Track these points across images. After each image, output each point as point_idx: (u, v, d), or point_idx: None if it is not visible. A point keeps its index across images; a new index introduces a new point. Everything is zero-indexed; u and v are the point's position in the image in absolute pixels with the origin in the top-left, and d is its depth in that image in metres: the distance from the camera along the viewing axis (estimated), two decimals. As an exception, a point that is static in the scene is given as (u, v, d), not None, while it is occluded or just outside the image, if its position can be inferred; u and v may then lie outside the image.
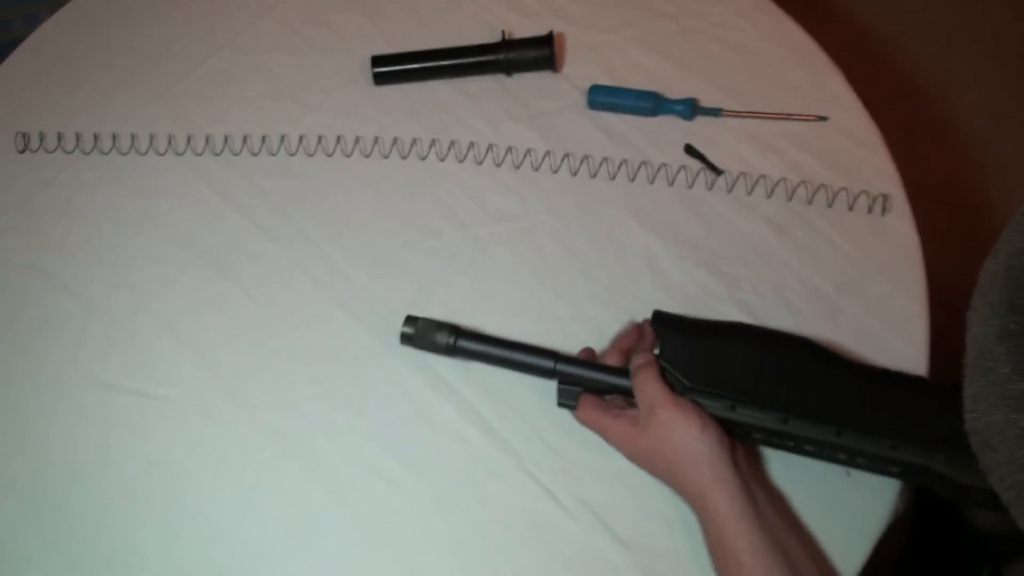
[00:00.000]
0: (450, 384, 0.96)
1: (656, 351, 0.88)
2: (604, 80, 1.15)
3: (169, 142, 1.12)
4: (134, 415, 0.96)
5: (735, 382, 0.83)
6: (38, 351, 1.00)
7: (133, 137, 1.12)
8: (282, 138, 1.11)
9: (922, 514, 1.39)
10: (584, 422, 0.88)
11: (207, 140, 1.11)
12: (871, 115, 1.12)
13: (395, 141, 1.11)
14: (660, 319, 0.88)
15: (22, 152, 1.12)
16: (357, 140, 1.11)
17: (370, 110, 1.15)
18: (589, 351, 0.94)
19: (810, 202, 1.06)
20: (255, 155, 1.11)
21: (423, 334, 0.92)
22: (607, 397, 0.90)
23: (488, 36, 1.16)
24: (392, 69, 1.15)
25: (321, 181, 1.10)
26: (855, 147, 1.10)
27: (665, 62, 1.17)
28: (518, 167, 1.10)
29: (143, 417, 0.96)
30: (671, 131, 1.12)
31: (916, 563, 1.48)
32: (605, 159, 1.09)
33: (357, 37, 1.20)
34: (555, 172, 1.09)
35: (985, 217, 2.09)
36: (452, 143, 1.11)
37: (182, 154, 1.11)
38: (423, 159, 1.11)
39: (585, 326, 0.99)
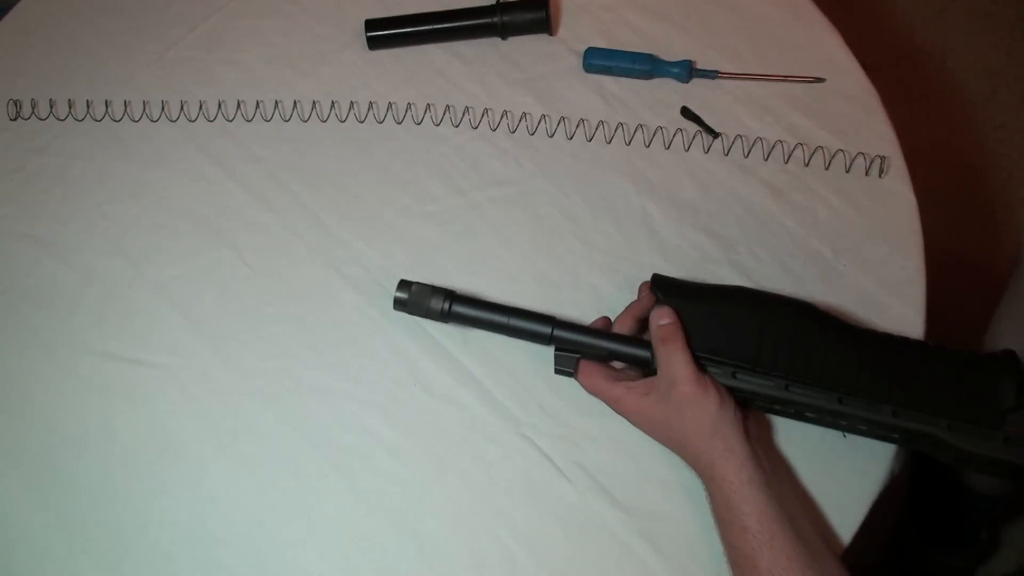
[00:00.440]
0: (447, 350, 0.96)
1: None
2: (600, 43, 1.14)
3: (162, 108, 1.11)
4: (131, 383, 0.96)
5: (736, 348, 0.83)
6: (33, 320, 1.00)
7: (126, 104, 1.11)
8: (276, 104, 1.11)
9: (920, 476, 1.40)
10: (594, 392, 0.88)
11: (201, 106, 1.11)
12: (868, 76, 1.12)
13: (390, 106, 1.10)
14: (659, 283, 0.87)
15: (14, 120, 1.11)
16: (352, 105, 1.11)
17: (364, 75, 1.14)
18: (605, 320, 0.93)
19: (807, 164, 1.06)
20: (249, 121, 1.11)
21: (416, 299, 0.91)
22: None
23: (482, -1, 1.15)
24: (386, 33, 1.15)
25: (316, 147, 1.09)
26: (852, 109, 1.09)
27: (661, 24, 1.16)
28: (514, 131, 1.09)
29: (140, 385, 0.96)
30: (667, 94, 1.11)
31: (914, 524, 1.50)
32: (601, 122, 1.09)
33: (351, 1, 1.19)
34: (551, 136, 1.09)
35: (983, 178, 2.09)
36: (447, 107, 1.10)
37: (175, 120, 1.11)
38: (418, 124, 1.10)
39: (582, 291, 0.99)
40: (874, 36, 2.26)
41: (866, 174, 1.05)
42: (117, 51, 1.16)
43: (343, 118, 1.10)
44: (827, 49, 1.14)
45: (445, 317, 0.90)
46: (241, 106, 1.11)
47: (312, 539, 0.89)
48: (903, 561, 1.54)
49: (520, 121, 1.09)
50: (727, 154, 1.07)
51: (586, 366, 0.88)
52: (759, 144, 1.06)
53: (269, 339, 0.98)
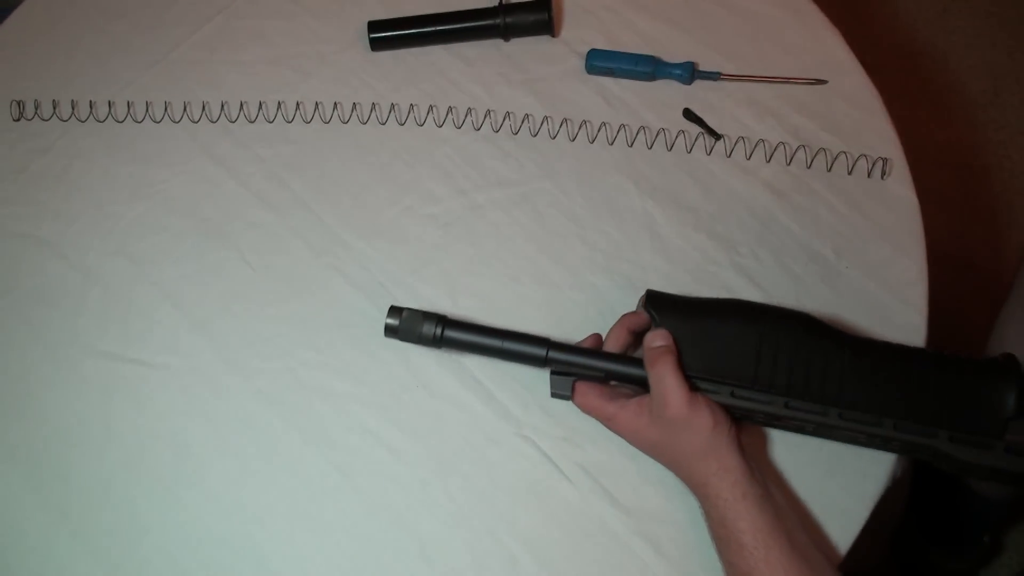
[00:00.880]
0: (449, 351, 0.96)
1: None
2: (602, 44, 1.14)
3: (165, 109, 1.11)
4: (134, 384, 0.96)
5: (733, 366, 0.82)
6: (36, 320, 1.00)
7: (129, 104, 1.11)
8: (279, 105, 1.11)
9: (922, 478, 1.39)
10: (587, 411, 0.87)
11: (203, 107, 1.11)
12: (871, 78, 1.12)
13: (392, 107, 1.11)
14: (654, 299, 0.86)
15: (17, 120, 1.11)
16: (354, 106, 1.11)
17: (367, 76, 1.14)
18: (596, 337, 0.91)
19: (809, 166, 1.06)
20: (252, 122, 1.11)
21: (408, 326, 0.88)
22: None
23: (485, 1, 1.15)
24: (389, 34, 1.15)
25: (318, 148, 1.09)
26: (854, 110, 1.09)
27: (663, 26, 1.16)
28: (516, 133, 1.09)
29: (142, 386, 0.96)
30: (670, 95, 1.11)
31: (916, 527, 1.49)
32: (603, 124, 1.09)
33: (353, 2, 1.19)
34: (553, 137, 1.09)
35: (985, 179, 2.09)
36: (450, 109, 1.10)
37: (178, 121, 1.11)
38: (420, 125, 1.10)
39: (584, 292, 0.99)
40: (876, 37, 2.27)
41: (868, 176, 1.05)
42: (120, 52, 1.16)
43: (345, 119, 1.10)
44: (829, 51, 1.14)
45: (438, 343, 0.88)
46: (244, 107, 1.11)
47: (313, 540, 0.89)
48: (905, 563, 1.54)
49: (522, 122, 1.09)
50: (729, 156, 1.07)
51: (579, 385, 0.87)
52: (761, 146, 1.06)
53: (271, 339, 0.98)
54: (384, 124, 1.10)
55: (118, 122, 1.11)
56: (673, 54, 1.13)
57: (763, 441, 0.91)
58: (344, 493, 0.91)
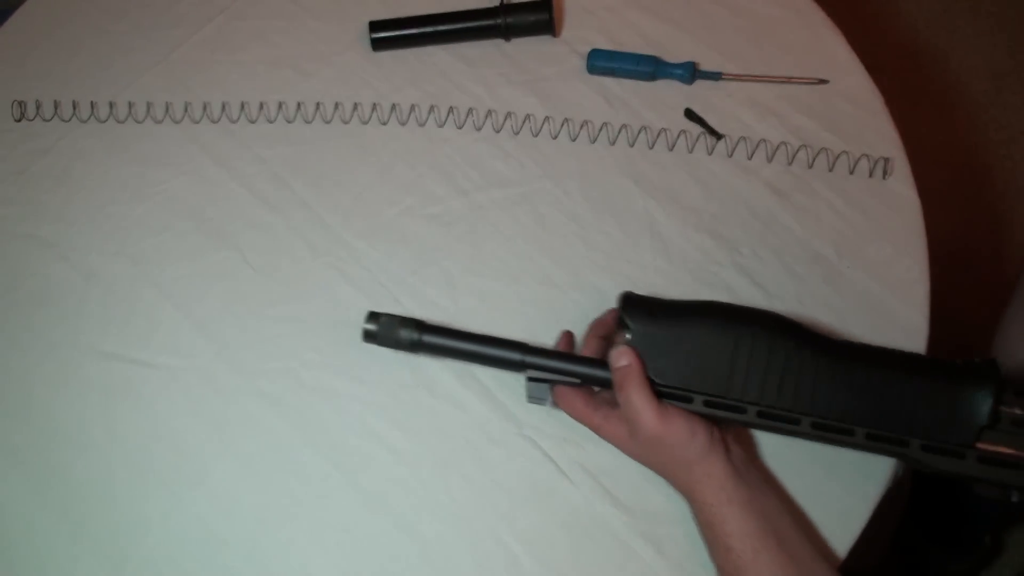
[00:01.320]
0: (450, 351, 0.96)
1: (628, 336, 0.83)
2: (603, 44, 1.14)
3: (166, 110, 1.11)
4: (135, 384, 0.96)
5: (706, 376, 0.81)
6: (36, 321, 1.00)
7: (130, 105, 1.12)
8: (280, 105, 1.11)
9: (922, 480, 1.39)
10: (575, 418, 0.87)
11: (204, 108, 1.11)
12: (872, 78, 1.11)
13: (394, 107, 1.11)
14: (629, 304, 0.84)
15: (18, 121, 1.11)
16: (355, 107, 1.11)
17: (368, 76, 1.14)
18: (568, 336, 0.91)
19: (811, 166, 1.06)
20: (253, 122, 1.11)
21: (386, 331, 0.88)
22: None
23: (486, 1, 1.15)
24: (390, 35, 1.15)
25: (319, 148, 1.09)
26: (856, 110, 1.09)
27: (664, 26, 1.16)
28: (517, 133, 1.09)
29: (144, 386, 0.96)
30: (671, 95, 1.11)
31: (917, 528, 1.49)
32: (605, 124, 1.09)
33: (354, 2, 1.19)
34: (554, 138, 1.09)
35: (986, 180, 2.09)
36: (451, 109, 1.10)
37: (179, 122, 1.11)
38: (422, 125, 1.10)
39: (585, 292, 0.99)
40: (878, 37, 2.26)
41: (870, 175, 1.05)
42: (121, 52, 1.16)
43: (347, 119, 1.10)
44: (830, 50, 1.14)
45: (416, 348, 0.88)
46: (245, 107, 1.11)
47: (314, 540, 0.89)
48: (906, 564, 1.54)
49: (523, 122, 1.09)
50: (730, 156, 1.07)
51: (565, 392, 0.86)
52: (762, 146, 1.06)
53: (272, 340, 0.98)
54: (385, 124, 1.10)
55: (119, 123, 1.11)
56: (674, 54, 1.13)
57: (751, 442, 0.91)
58: (345, 493, 0.91)
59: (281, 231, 1.04)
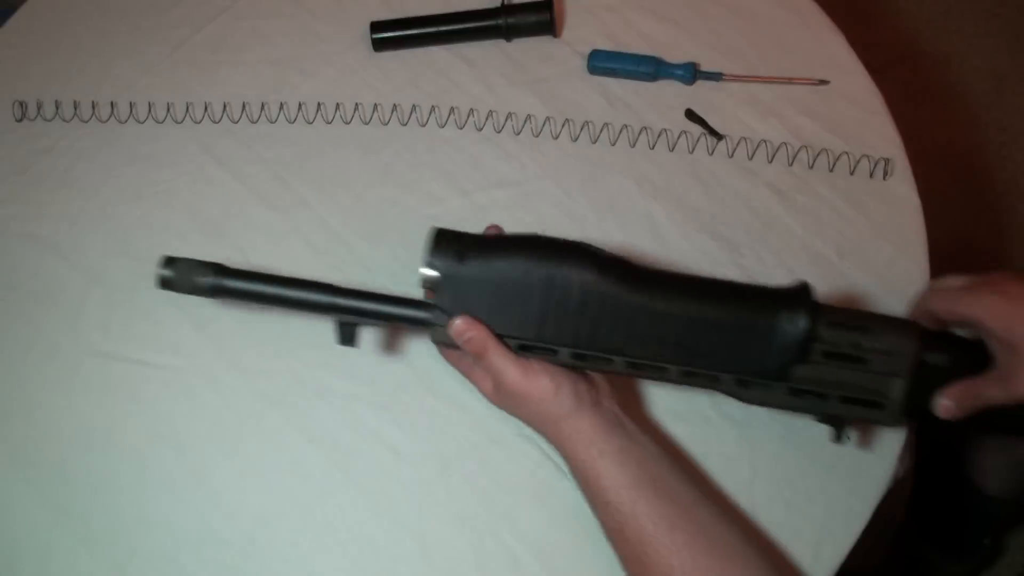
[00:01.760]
0: (451, 351, 0.96)
1: (432, 273, 0.79)
2: (604, 45, 1.14)
3: (168, 109, 1.11)
4: (136, 384, 0.96)
5: (518, 319, 0.78)
6: (38, 321, 1.00)
7: (131, 105, 1.12)
8: (281, 105, 1.11)
9: (924, 480, 1.39)
10: (449, 363, 0.86)
11: (206, 107, 1.11)
12: (873, 78, 1.12)
13: (395, 107, 1.11)
14: (438, 243, 0.79)
15: (20, 121, 1.11)
16: (356, 107, 1.11)
17: (369, 76, 1.14)
18: (496, 227, 0.87)
19: (811, 167, 1.06)
20: (254, 122, 1.11)
21: (183, 277, 0.81)
22: None
23: (487, 1, 1.15)
24: (391, 35, 1.15)
25: (320, 148, 1.09)
26: (857, 111, 1.09)
27: (665, 26, 1.16)
28: (518, 133, 1.09)
29: (145, 386, 0.96)
30: (672, 96, 1.11)
31: (917, 530, 1.49)
32: (606, 124, 1.09)
33: (356, 3, 1.19)
34: (555, 138, 1.09)
35: (987, 180, 2.09)
36: (452, 109, 1.10)
37: (181, 122, 1.11)
38: (423, 126, 1.10)
39: (586, 292, 0.99)
40: (878, 38, 2.26)
41: (870, 176, 1.05)
42: (122, 52, 1.16)
43: (348, 120, 1.11)
44: (831, 51, 1.14)
45: (216, 292, 0.81)
46: (246, 107, 1.11)
47: (316, 540, 0.89)
48: (906, 565, 1.54)
49: (524, 123, 1.09)
50: (731, 156, 1.07)
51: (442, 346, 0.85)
52: (763, 146, 1.06)
53: (273, 340, 0.98)
54: (386, 124, 1.10)
55: (120, 123, 1.11)
56: (675, 55, 1.13)
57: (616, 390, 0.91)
58: (346, 493, 0.91)
59: (282, 231, 1.04)
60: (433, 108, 1.10)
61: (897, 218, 1.03)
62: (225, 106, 1.11)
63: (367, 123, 1.11)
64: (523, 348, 0.79)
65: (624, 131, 1.08)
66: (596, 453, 0.78)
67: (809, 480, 0.90)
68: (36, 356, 0.98)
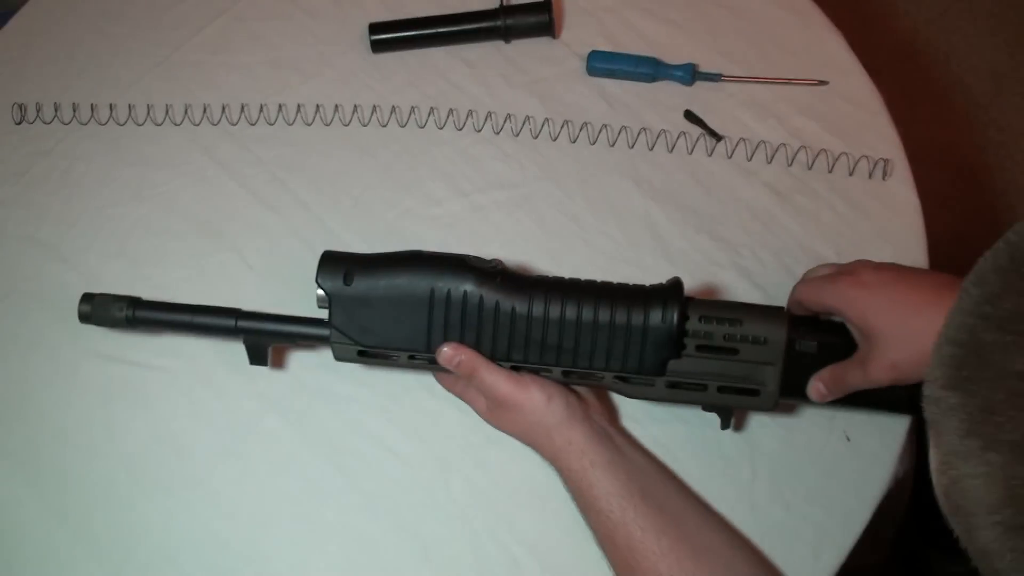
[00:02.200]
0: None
1: (321, 293, 0.83)
2: (603, 46, 1.14)
3: (166, 111, 1.11)
4: (134, 386, 0.96)
5: (407, 333, 0.82)
6: (37, 323, 1.00)
7: (130, 107, 1.11)
8: (280, 107, 1.11)
9: (925, 480, 1.39)
10: (444, 387, 0.89)
11: (204, 109, 1.11)
12: (872, 79, 1.11)
13: (393, 109, 1.11)
14: (322, 265, 0.83)
15: (19, 123, 1.11)
16: (355, 108, 1.11)
17: (368, 78, 1.14)
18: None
19: (810, 167, 1.06)
20: (253, 124, 1.11)
21: (101, 311, 0.88)
22: None
23: (486, 2, 1.15)
24: (390, 36, 1.15)
25: (319, 150, 1.09)
26: (856, 111, 1.09)
27: (664, 27, 1.16)
28: (517, 134, 1.09)
29: (144, 388, 0.96)
30: (670, 97, 1.11)
31: (917, 531, 1.49)
32: (604, 126, 1.09)
33: (354, 4, 1.19)
34: (554, 139, 1.09)
35: (986, 181, 2.09)
36: (451, 111, 1.10)
37: (179, 124, 1.11)
38: (422, 127, 1.10)
39: (585, 293, 0.99)
40: (877, 38, 2.26)
41: (869, 177, 1.05)
42: (121, 54, 1.16)
43: (346, 121, 1.10)
44: (830, 52, 1.14)
45: (133, 324, 0.88)
46: (245, 109, 1.11)
47: (315, 542, 0.89)
48: (906, 566, 1.54)
49: (523, 124, 1.09)
50: (730, 157, 1.07)
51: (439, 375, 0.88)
52: (762, 147, 1.06)
53: (272, 342, 0.98)
54: (385, 126, 1.10)
55: (119, 125, 1.11)
56: (674, 55, 1.13)
57: (610, 404, 0.91)
58: (346, 495, 0.91)
59: (281, 233, 1.04)
60: (432, 109, 1.10)
61: (896, 218, 1.03)
62: (224, 108, 1.11)
63: (366, 125, 1.10)
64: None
65: (623, 132, 1.08)
66: (588, 463, 0.81)
67: (809, 481, 0.90)
68: (35, 358, 0.98)
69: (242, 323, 0.87)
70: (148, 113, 1.11)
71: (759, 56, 1.13)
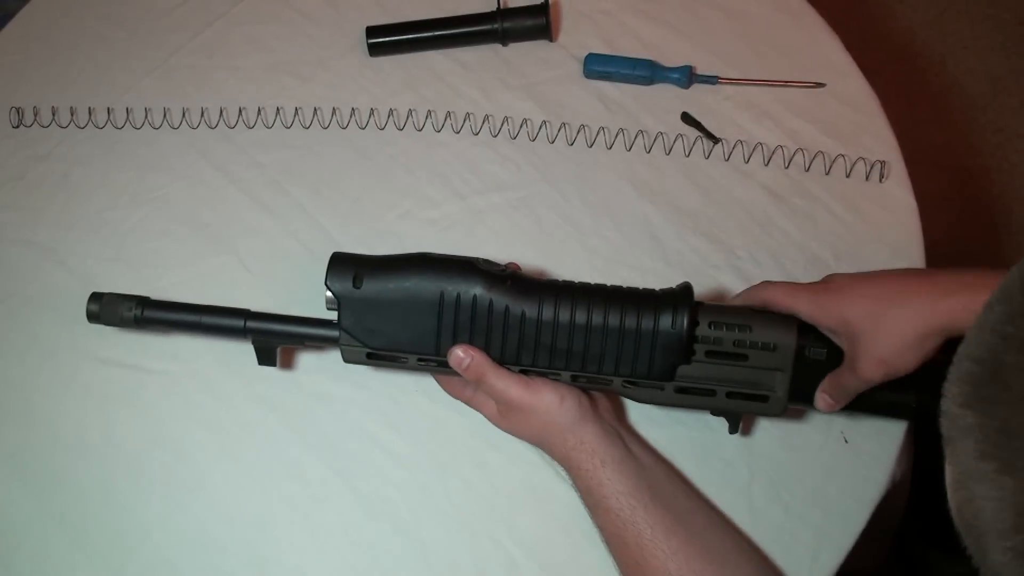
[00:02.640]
0: (449, 355, 0.96)
1: (329, 295, 0.82)
2: (600, 49, 1.14)
3: (164, 115, 1.11)
4: (133, 389, 0.96)
5: (416, 336, 0.82)
6: (35, 327, 1.00)
7: (128, 111, 1.11)
8: (277, 110, 1.11)
9: (924, 481, 1.39)
10: (450, 394, 0.89)
11: (202, 113, 1.11)
12: (869, 81, 1.12)
13: (391, 112, 1.11)
14: (332, 267, 0.83)
15: (16, 127, 1.11)
16: (352, 111, 1.11)
17: (365, 81, 1.14)
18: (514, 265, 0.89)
19: (807, 169, 1.06)
20: (250, 128, 1.11)
21: (109, 310, 0.88)
22: None
23: (483, 5, 1.15)
24: (387, 40, 1.15)
25: (317, 153, 1.09)
26: (852, 113, 1.09)
27: (661, 30, 1.16)
28: (514, 137, 1.09)
29: (142, 392, 0.96)
30: (668, 99, 1.11)
31: (916, 531, 1.49)
32: (602, 128, 1.09)
33: (351, 7, 1.19)
34: (552, 142, 1.09)
35: (983, 183, 2.09)
36: (448, 114, 1.10)
37: (177, 127, 1.11)
38: (419, 130, 1.10)
39: (583, 296, 0.99)
40: (874, 40, 2.27)
41: (866, 178, 1.05)
42: (119, 58, 1.16)
43: (344, 124, 1.11)
44: (827, 54, 1.14)
45: (141, 324, 0.88)
46: (242, 112, 1.11)
47: (314, 545, 0.89)
48: (905, 566, 1.54)
49: (521, 127, 1.09)
50: (727, 159, 1.07)
51: (442, 378, 0.88)
52: (759, 149, 1.07)
53: (271, 345, 0.98)
54: (383, 129, 1.10)
55: (117, 128, 1.11)
56: (671, 58, 1.13)
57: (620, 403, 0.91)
58: (344, 498, 0.91)
59: (279, 236, 1.04)
60: (429, 112, 1.10)
61: (893, 220, 1.03)
62: (221, 111, 1.11)
63: (363, 128, 1.11)
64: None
65: (620, 134, 1.08)
66: (599, 462, 0.81)
67: (807, 483, 0.90)
68: (33, 361, 0.98)
69: (251, 324, 0.86)
70: (146, 117, 1.11)
71: (756, 58, 1.13)
